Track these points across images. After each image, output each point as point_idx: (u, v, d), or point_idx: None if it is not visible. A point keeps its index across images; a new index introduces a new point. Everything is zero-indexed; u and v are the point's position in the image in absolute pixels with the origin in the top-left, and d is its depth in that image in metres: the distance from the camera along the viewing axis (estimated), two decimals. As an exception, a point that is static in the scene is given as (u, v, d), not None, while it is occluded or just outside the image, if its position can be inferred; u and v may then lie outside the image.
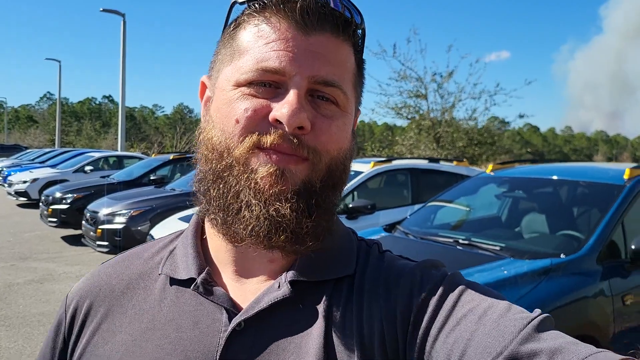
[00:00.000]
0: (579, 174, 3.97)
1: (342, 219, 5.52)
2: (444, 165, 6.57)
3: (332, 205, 0.69)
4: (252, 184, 0.63)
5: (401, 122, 11.66)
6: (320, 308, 0.66)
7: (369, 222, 5.38)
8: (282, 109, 0.62)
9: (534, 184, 4.16)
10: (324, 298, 0.67)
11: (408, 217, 4.37)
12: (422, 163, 6.58)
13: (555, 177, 4.02)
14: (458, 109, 11.93)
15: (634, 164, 3.84)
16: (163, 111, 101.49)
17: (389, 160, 6.27)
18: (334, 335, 0.64)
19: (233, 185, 0.64)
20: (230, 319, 0.66)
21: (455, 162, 6.81)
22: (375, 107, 12.13)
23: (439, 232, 3.91)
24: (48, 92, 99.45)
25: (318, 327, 0.64)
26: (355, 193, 5.94)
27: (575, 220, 3.68)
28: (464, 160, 7.31)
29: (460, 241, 3.51)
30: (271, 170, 0.62)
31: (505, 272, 2.86)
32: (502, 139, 12.61)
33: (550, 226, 3.79)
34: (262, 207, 0.63)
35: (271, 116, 0.63)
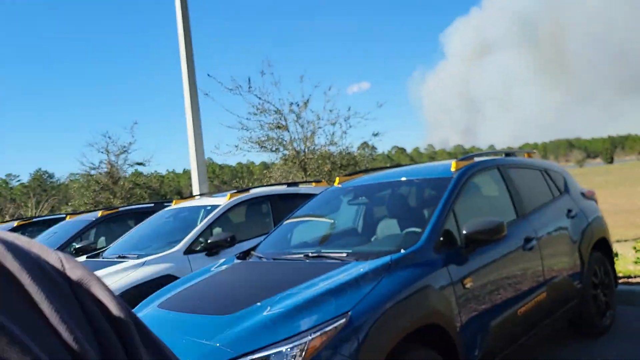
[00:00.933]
0: (413, 173, 4.16)
1: (202, 256, 5.26)
2: (303, 188, 6.59)
3: None
4: None
5: (274, 158, 11.67)
6: None
7: (231, 255, 5.17)
8: None
9: (375, 189, 4.29)
10: None
11: (262, 241, 4.26)
12: (281, 188, 6.55)
13: (395, 179, 4.18)
14: (319, 136, 12.25)
15: (459, 158, 4.11)
16: (19, 180, 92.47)
17: (246, 190, 6.15)
18: None
19: None
20: None
21: (314, 184, 6.88)
22: (239, 142, 12.08)
23: (292, 250, 3.84)
24: None
25: None
26: (216, 228, 5.71)
27: (416, 216, 3.81)
28: (322, 180, 7.43)
29: (310, 255, 3.46)
30: None
31: (345, 276, 2.84)
32: (363, 159, 13.15)
33: (400, 227, 3.89)
34: None
35: None
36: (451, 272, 3.09)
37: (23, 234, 8.80)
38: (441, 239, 3.23)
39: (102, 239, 7.68)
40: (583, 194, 4.92)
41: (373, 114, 13.25)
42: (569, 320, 4.43)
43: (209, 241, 5.28)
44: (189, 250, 5.23)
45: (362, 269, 2.88)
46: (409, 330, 2.71)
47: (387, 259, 2.96)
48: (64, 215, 9.15)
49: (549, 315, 3.92)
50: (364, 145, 14.22)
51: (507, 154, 4.71)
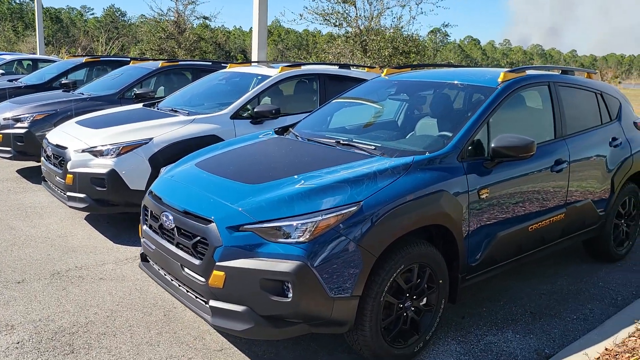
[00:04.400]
0: (460, 77, 4.10)
1: (247, 123, 5.54)
2: (355, 72, 6.58)
3: None
4: None
5: (337, 33, 11.29)
6: None
7: (274, 127, 5.42)
8: None
9: (417, 87, 4.29)
10: None
11: (302, 120, 4.44)
12: (333, 69, 6.57)
13: (438, 81, 4.15)
14: (385, 17, 11.83)
15: (510, 69, 4.00)
16: (93, 14, 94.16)
17: (298, 65, 6.21)
18: None
19: None
20: None
21: (367, 69, 6.84)
22: (304, 12, 11.80)
23: (326, 134, 4.01)
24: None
25: None
26: (264, 98, 5.91)
27: (454, 120, 3.85)
28: (376, 67, 7.34)
29: (341, 142, 3.64)
30: None
31: (366, 168, 3.02)
32: (428, 49, 12.70)
33: (439, 127, 3.96)
34: None
35: None
36: (470, 181, 3.22)
37: (90, 71, 9.28)
38: (469, 148, 3.32)
39: (162, 88, 8.08)
40: (635, 124, 4.75)
41: (447, 3, 12.58)
42: (584, 242, 4.56)
43: (255, 110, 5.53)
44: (235, 115, 5.52)
45: (383, 165, 3.05)
46: (413, 227, 2.93)
47: (409, 159, 3.11)
48: (129, 60, 9.55)
49: (563, 236, 4.06)
50: (436, 30, 13.58)
51: (565, 71, 4.51)
